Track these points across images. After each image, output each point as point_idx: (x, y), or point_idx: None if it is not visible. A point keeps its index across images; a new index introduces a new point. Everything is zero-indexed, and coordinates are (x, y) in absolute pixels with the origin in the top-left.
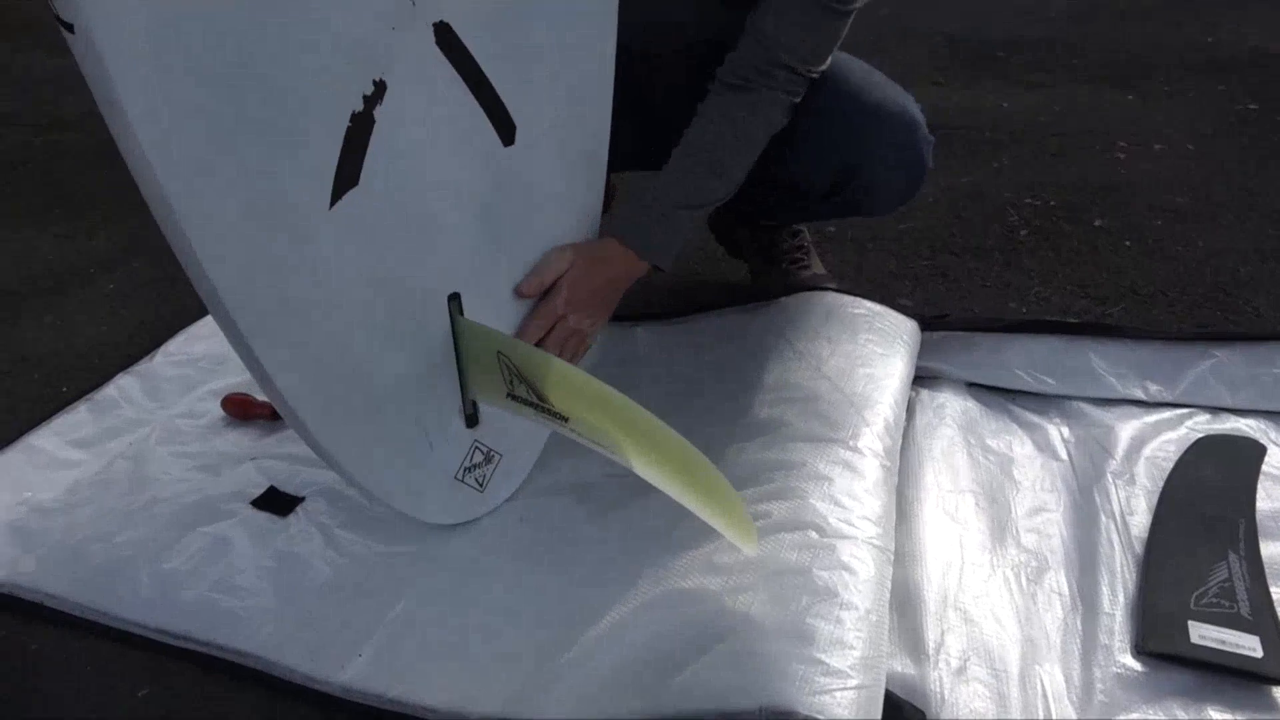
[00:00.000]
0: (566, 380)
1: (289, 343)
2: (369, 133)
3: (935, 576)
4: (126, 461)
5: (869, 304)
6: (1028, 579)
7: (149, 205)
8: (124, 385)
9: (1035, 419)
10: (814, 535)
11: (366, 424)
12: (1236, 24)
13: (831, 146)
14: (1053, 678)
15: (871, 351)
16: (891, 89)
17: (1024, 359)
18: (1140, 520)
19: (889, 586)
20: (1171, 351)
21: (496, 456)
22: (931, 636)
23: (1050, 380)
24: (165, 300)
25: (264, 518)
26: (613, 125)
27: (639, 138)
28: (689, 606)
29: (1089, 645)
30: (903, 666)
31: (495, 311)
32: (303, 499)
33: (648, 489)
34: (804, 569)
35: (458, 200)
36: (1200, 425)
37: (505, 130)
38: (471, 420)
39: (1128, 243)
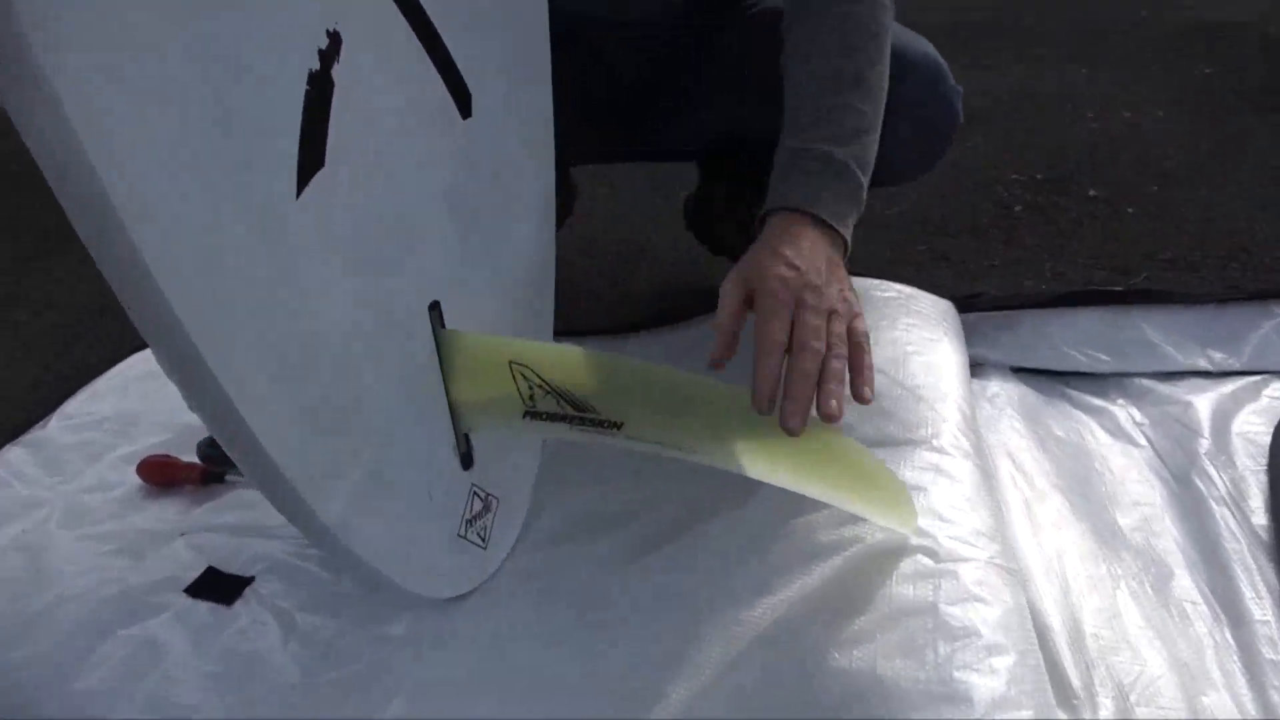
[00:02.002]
0: (623, 374)
1: (259, 371)
2: (329, 98)
3: (1053, 597)
4: (20, 553)
5: (899, 286)
6: (1153, 589)
7: (71, 210)
8: (12, 459)
9: (1097, 402)
10: (926, 561)
11: (361, 479)
12: None
13: None
14: (1225, 709)
15: (919, 336)
16: (907, 34)
17: (1072, 335)
18: (1256, 505)
19: (1029, 617)
20: (1228, 314)
21: (494, 501)
22: (1074, 674)
23: (1104, 357)
24: (62, 355)
25: (204, 608)
26: (577, 110)
27: (607, 122)
28: (782, 676)
29: (1252, 664)
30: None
31: (477, 318)
32: (252, 579)
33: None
34: (928, 606)
35: (425, 183)
36: (1279, 392)
37: (462, 100)
38: (467, 460)
39: (1130, 209)
